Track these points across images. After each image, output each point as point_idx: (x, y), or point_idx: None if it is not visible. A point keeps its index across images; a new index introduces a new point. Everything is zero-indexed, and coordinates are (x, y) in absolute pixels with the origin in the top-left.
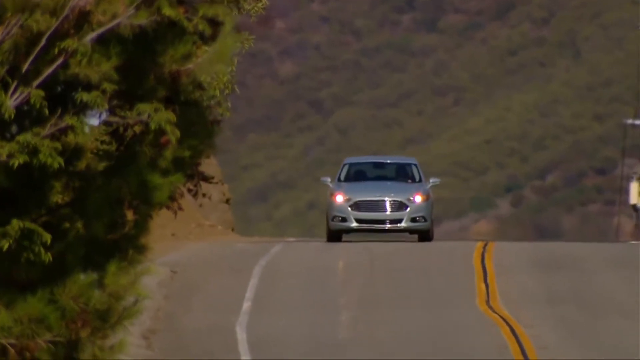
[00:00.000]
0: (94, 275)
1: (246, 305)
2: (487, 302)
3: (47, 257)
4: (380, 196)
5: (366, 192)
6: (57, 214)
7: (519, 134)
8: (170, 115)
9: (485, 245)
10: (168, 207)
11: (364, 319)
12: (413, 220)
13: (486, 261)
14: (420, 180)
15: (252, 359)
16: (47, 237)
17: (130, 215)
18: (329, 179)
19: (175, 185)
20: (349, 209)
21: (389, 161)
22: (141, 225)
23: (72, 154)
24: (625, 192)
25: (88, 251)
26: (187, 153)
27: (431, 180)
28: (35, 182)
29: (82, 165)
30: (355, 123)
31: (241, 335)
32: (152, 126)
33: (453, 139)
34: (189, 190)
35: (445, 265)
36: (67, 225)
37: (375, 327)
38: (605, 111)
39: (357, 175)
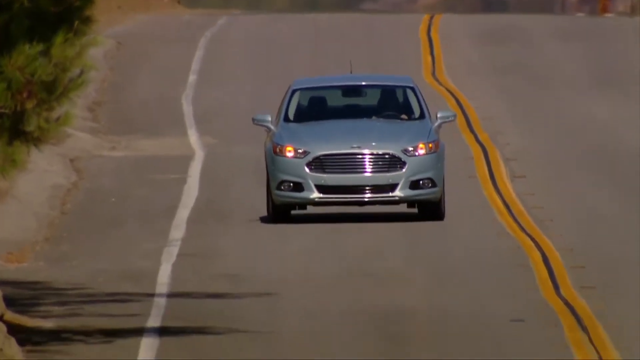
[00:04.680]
0: (39, 47)
1: (192, 77)
2: (433, 74)
3: None
4: (358, 147)
5: (334, 141)
6: None
7: None
8: None
9: (432, 17)
10: None
11: None
12: (414, 185)
13: (432, 33)
14: (422, 117)
15: (197, 130)
16: None
17: None
18: (268, 118)
19: None
20: (306, 169)
21: (367, 83)
22: None
23: None
24: None
25: (33, 23)
26: None
27: (439, 116)
28: None
29: None
30: None
31: (187, 107)
32: None
33: None
34: None
35: (391, 37)
36: None
37: None
38: None
39: (315, 109)
